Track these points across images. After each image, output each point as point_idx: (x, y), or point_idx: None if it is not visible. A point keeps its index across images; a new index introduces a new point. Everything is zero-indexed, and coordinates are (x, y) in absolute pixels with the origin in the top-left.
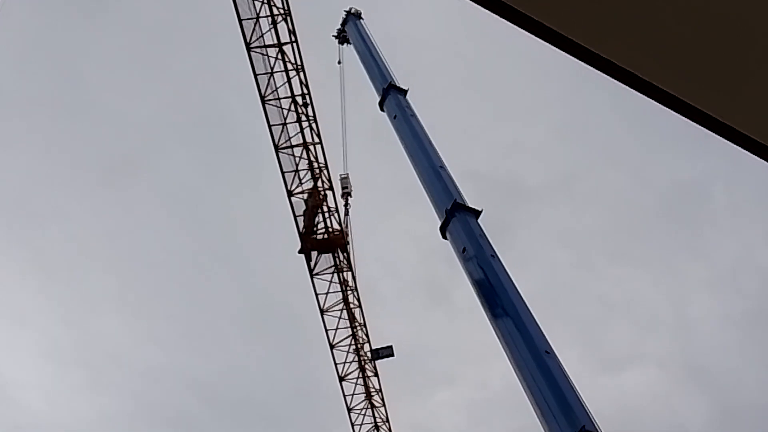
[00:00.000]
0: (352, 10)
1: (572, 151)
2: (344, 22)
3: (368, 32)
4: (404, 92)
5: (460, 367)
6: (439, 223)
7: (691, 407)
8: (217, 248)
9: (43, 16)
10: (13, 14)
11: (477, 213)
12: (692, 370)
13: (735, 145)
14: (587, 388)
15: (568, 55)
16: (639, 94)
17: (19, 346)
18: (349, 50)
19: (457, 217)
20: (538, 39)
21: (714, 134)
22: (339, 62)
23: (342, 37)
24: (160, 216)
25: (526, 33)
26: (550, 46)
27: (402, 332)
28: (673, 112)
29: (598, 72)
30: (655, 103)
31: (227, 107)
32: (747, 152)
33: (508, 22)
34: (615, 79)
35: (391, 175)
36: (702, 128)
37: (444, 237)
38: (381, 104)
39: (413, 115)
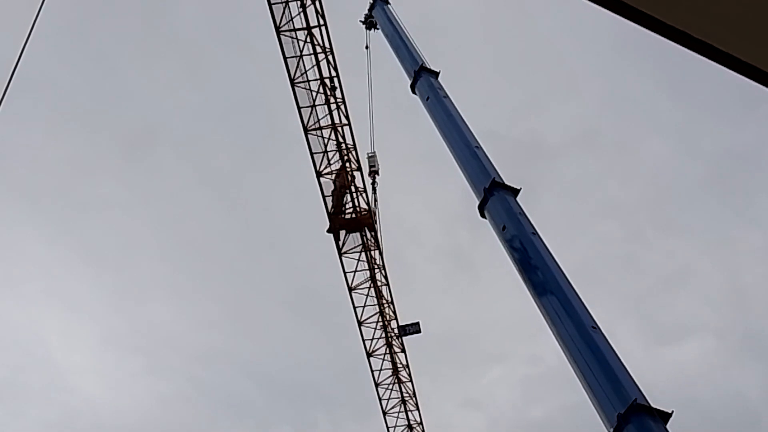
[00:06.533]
0: None
1: (617, 119)
2: (371, 7)
3: (396, 16)
4: (436, 74)
5: (510, 343)
6: (477, 202)
7: (748, 375)
8: (261, 231)
9: (77, 8)
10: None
11: (515, 191)
12: (749, 338)
13: None
14: (643, 360)
15: (613, 16)
16: (695, 55)
17: (77, 335)
18: (376, 35)
19: (496, 196)
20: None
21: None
22: (366, 47)
23: (369, 23)
24: (204, 201)
25: None
26: (597, 6)
27: (448, 310)
28: (727, 71)
29: (643, 34)
30: (710, 62)
31: (264, 91)
32: None
33: None
34: (672, 40)
35: (406, 145)
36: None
37: (482, 216)
38: (412, 87)
39: (446, 96)
